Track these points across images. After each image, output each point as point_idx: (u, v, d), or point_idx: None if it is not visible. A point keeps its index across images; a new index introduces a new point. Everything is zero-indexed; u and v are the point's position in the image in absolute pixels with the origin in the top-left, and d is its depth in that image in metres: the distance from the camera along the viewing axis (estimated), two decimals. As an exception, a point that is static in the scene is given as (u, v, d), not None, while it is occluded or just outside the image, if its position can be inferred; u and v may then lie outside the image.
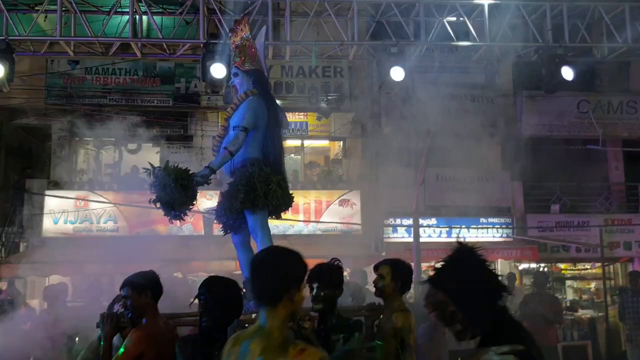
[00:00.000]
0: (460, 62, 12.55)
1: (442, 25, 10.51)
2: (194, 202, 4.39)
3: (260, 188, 4.53)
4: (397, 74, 9.78)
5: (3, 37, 9.17)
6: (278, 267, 2.59)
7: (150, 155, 14.29)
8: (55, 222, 13.59)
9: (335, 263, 3.97)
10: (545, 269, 14.96)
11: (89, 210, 13.70)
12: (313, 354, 2.43)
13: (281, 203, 4.76)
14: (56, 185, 14.16)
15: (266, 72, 5.11)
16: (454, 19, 10.63)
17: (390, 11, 10.59)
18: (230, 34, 5.00)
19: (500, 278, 2.47)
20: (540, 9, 10.73)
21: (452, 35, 10.57)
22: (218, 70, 9.17)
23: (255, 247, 4.67)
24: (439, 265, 2.50)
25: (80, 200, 13.63)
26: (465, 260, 2.52)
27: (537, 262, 15.08)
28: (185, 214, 4.39)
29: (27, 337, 5.80)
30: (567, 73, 10.42)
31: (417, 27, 10.47)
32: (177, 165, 4.30)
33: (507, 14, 10.45)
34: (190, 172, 4.32)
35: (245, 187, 4.55)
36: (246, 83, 4.83)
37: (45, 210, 13.60)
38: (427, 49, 11.00)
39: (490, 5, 10.30)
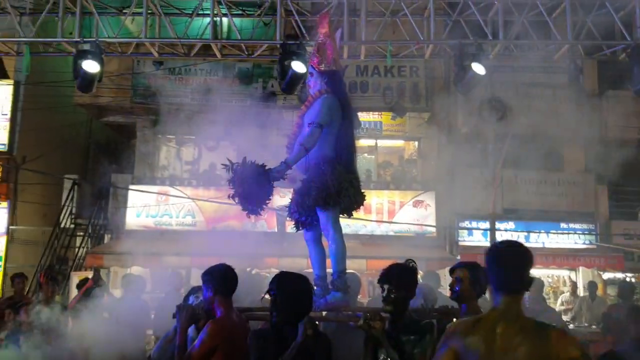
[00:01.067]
0: (541, 61, 12.16)
1: (522, 24, 10.23)
2: (270, 198, 4.46)
3: (333, 186, 4.57)
4: (478, 68, 9.57)
5: (94, 39, 9.61)
6: (527, 258, 2.88)
7: (228, 153, 14.62)
8: (138, 216, 14.15)
9: (410, 265, 3.91)
10: (632, 279, 14.26)
11: (169, 205, 14.18)
12: (572, 340, 2.64)
13: (353, 201, 4.78)
14: (139, 180, 14.74)
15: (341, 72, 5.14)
16: (534, 17, 10.31)
17: (468, 9, 10.40)
18: (316, 30, 5.06)
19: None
20: (629, 5, 10.25)
21: (532, 34, 10.26)
22: (299, 67, 9.24)
23: (327, 244, 4.71)
24: None
25: (161, 195, 14.13)
26: None
27: (623, 271, 14.41)
28: (262, 209, 4.47)
29: (109, 325, 6.06)
30: (658, 72, 9.88)
31: (495, 25, 10.23)
32: (255, 161, 4.39)
33: (592, 11, 10.05)
34: (267, 168, 4.40)
35: (318, 184, 4.59)
36: (320, 83, 4.88)
37: (129, 204, 14.18)
38: (506, 48, 10.72)
39: (572, 2, 9.94)
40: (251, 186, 4.30)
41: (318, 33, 4.97)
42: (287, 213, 5.03)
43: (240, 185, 4.34)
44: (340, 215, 4.86)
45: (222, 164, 4.53)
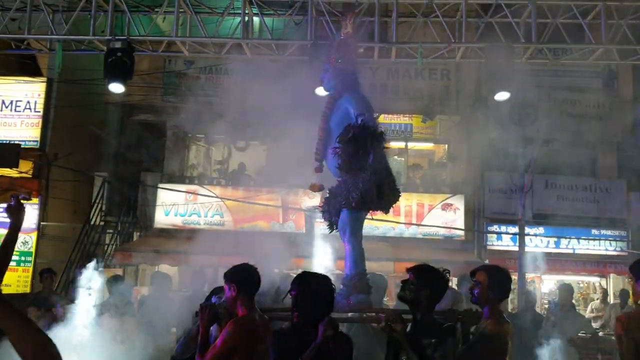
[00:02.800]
0: (575, 65, 11.96)
1: (555, 27, 10.06)
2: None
3: (372, 189, 4.55)
4: (501, 96, 9.55)
5: (125, 37, 9.73)
6: None
7: (258, 153, 14.72)
8: (167, 214, 14.29)
9: (441, 269, 3.79)
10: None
11: (197, 204, 14.29)
12: None
13: (386, 201, 4.77)
14: (169, 179, 14.88)
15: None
16: (568, 20, 10.13)
17: (501, 12, 10.27)
18: (340, 27, 5.05)
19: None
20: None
21: (566, 37, 10.09)
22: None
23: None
24: None
25: (190, 194, 14.25)
26: None
27: (654, 279, 14.09)
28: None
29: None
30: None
31: (528, 28, 10.08)
32: None
33: (628, 15, 9.84)
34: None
35: (357, 186, 4.59)
36: (334, 80, 4.86)
37: (158, 202, 14.32)
38: (540, 52, 10.55)
39: (606, 6, 9.74)
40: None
41: (341, 32, 4.97)
42: (319, 214, 5.03)
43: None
44: (375, 212, 4.82)
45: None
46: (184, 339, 4.33)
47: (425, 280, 3.56)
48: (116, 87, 9.73)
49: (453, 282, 12.38)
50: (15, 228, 3.27)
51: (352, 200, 4.59)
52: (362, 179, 4.58)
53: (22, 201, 3.30)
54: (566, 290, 8.83)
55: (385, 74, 15.04)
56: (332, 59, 4.89)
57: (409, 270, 3.64)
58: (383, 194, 4.64)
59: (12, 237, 3.24)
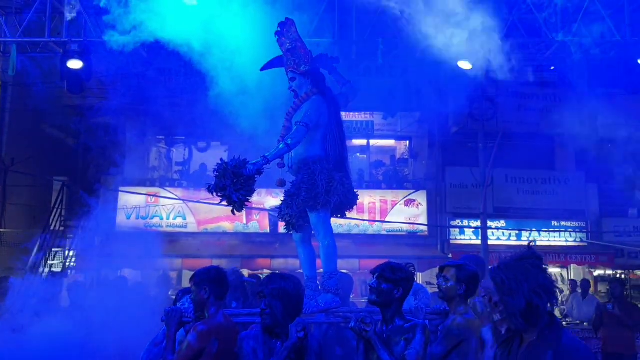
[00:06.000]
0: (532, 59, 12.16)
1: (512, 22, 10.22)
2: (250, 191, 4.43)
3: (322, 185, 4.56)
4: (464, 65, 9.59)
5: (82, 39, 9.52)
6: None
7: (219, 154, 14.58)
8: (128, 217, 14.06)
9: (405, 265, 3.81)
10: (622, 276, 14.31)
11: (159, 206, 14.10)
12: None
13: (344, 201, 4.77)
14: (129, 182, 14.62)
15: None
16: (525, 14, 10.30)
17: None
18: (277, 38, 5.01)
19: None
20: (618, 3, 10.28)
21: (523, 32, 10.26)
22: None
23: (317, 245, 4.69)
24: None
25: (151, 197, 14.05)
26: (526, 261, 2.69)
27: (613, 268, 14.47)
28: (243, 204, 4.44)
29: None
30: (647, 70, 9.93)
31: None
32: (236, 157, 4.41)
33: (581, 9, 10.05)
34: (247, 162, 4.40)
35: (307, 184, 4.60)
36: (305, 84, 4.87)
37: (119, 205, 14.08)
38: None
39: (562, 1, 9.94)
40: (227, 178, 4.30)
41: (285, 41, 4.94)
42: (277, 214, 5.02)
43: (218, 178, 4.36)
44: (333, 216, 4.84)
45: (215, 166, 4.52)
46: (149, 346, 4.25)
47: (394, 282, 3.54)
48: (74, 63, 9.43)
49: (420, 278, 12.52)
50: None
51: (313, 199, 4.59)
52: (315, 177, 4.60)
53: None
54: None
55: (346, 71, 15.01)
56: (294, 66, 4.88)
57: (373, 273, 3.62)
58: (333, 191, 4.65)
59: None
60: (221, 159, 4.45)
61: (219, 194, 4.38)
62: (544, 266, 2.65)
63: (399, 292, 3.54)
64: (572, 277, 14.26)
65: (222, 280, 3.97)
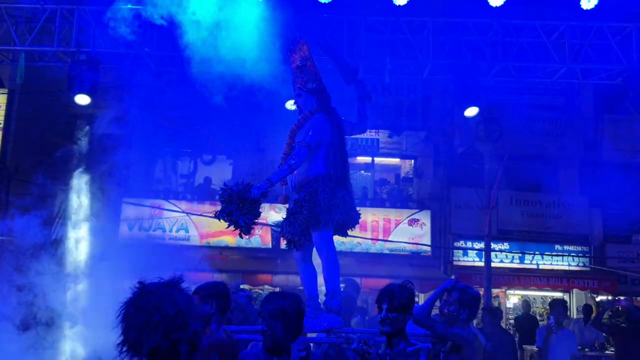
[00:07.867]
0: (539, 83, 12.19)
1: (520, 45, 10.26)
2: (256, 214, 4.43)
3: (324, 203, 4.54)
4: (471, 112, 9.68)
5: (90, 49, 9.56)
6: None
7: (224, 167, 14.60)
8: (131, 229, 14.02)
9: (407, 286, 3.79)
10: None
11: (162, 219, 14.07)
12: None
13: (346, 219, 4.74)
14: (133, 193, 14.59)
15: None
16: (533, 39, 10.35)
17: (468, 30, 10.43)
18: (289, 55, 5.03)
19: None
20: (625, 30, 10.32)
21: (531, 56, 10.30)
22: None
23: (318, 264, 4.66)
24: None
25: (155, 209, 14.02)
26: None
27: (616, 294, 14.36)
28: (250, 227, 4.43)
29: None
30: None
31: (494, 46, 10.26)
32: (241, 181, 4.41)
33: (589, 35, 10.09)
34: (251, 185, 4.40)
35: (310, 202, 4.57)
36: (310, 102, 4.88)
37: (122, 216, 14.04)
38: (504, 69, 10.74)
39: (570, 27, 9.99)
40: (233, 203, 4.29)
41: (296, 58, 4.95)
42: (280, 231, 5.00)
43: (224, 203, 4.36)
44: (335, 235, 4.81)
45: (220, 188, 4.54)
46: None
47: (401, 303, 3.52)
48: (82, 99, 9.54)
49: (421, 299, 12.44)
50: None
51: (316, 217, 4.57)
52: (318, 195, 4.60)
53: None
54: (562, 305, 8.68)
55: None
56: (301, 83, 4.89)
57: (381, 302, 3.57)
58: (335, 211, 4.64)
59: None
60: (225, 184, 4.47)
61: (226, 219, 4.38)
62: None
63: (407, 317, 3.52)
64: (575, 302, 14.18)
65: (227, 296, 4.00)
